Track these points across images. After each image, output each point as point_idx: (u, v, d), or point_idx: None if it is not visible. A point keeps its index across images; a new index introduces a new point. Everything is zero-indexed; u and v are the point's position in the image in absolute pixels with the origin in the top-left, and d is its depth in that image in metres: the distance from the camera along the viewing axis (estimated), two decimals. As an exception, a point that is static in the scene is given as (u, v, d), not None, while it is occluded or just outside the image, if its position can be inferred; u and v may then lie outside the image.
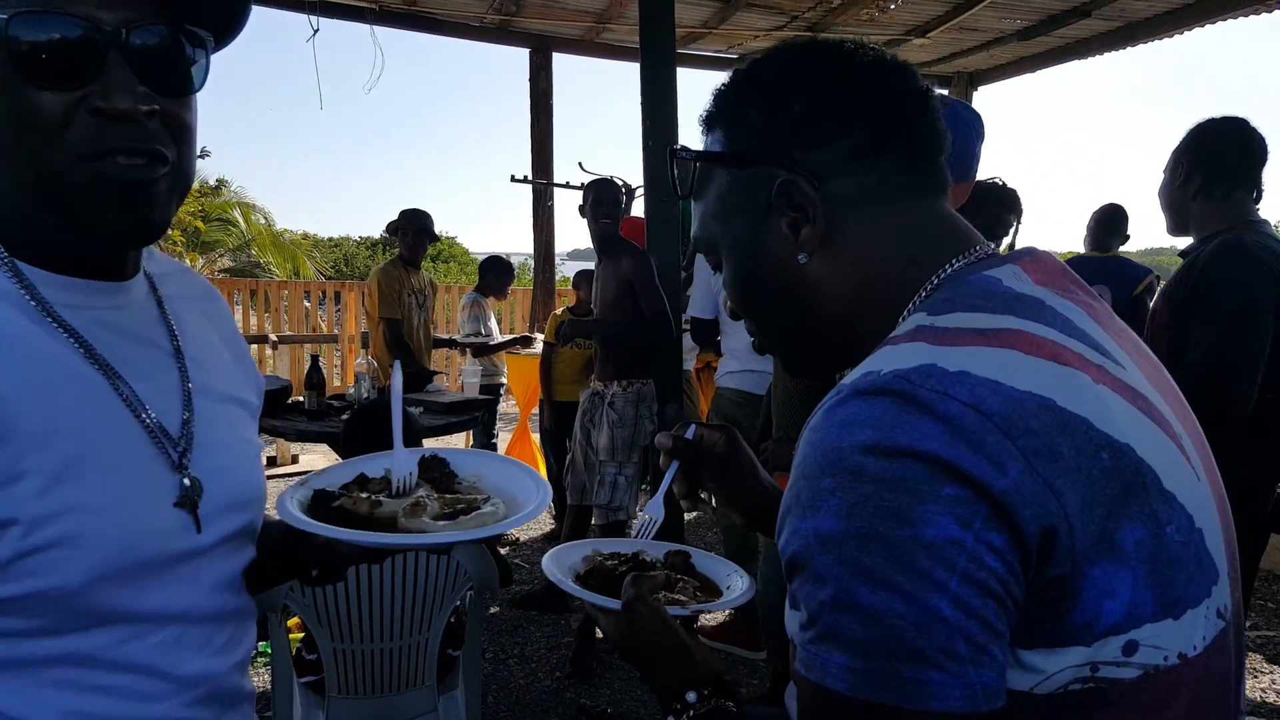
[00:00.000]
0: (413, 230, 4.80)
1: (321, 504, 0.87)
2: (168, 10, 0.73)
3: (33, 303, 0.72)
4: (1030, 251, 0.75)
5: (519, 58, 7.02)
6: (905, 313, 0.73)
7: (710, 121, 0.83)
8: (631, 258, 3.61)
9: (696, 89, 4.03)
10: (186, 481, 0.77)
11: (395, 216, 4.89)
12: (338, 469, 0.97)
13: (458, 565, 2.33)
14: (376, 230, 27.64)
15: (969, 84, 7.56)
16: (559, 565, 1.06)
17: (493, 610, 3.91)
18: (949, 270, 0.73)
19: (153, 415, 0.77)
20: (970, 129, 1.84)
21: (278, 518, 0.96)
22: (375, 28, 6.20)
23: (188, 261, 13.37)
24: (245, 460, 0.88)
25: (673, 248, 3.87)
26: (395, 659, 2.25)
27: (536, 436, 5.77)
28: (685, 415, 4.08)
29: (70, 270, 0.75)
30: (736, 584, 1.05)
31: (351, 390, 3.92)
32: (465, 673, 2.51)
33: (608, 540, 1.15)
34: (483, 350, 5.55)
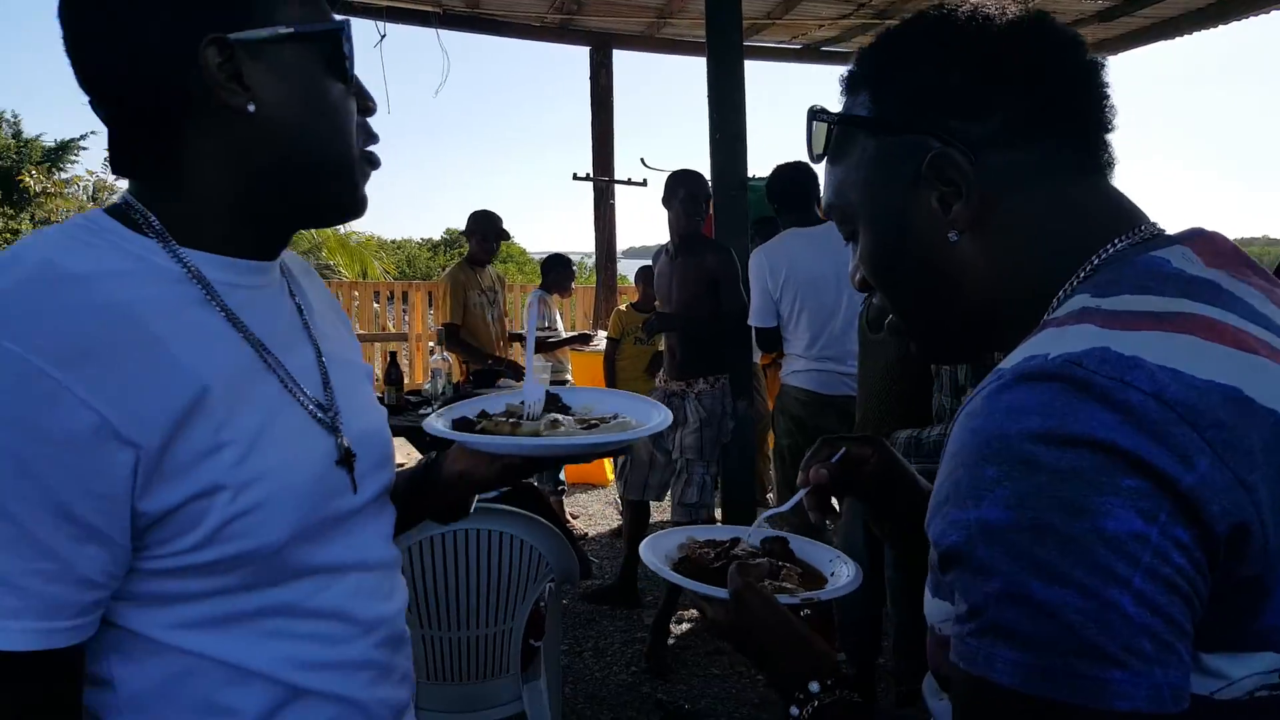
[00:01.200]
0: (483, 231, 4.92)
1: (464, 429, 0.94)
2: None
3: (198, 285, 0.77)
4: (1199, 232, 0.70)
5: (579, 56, 7.06)
6: (1060, 295, 0.69)
7: (855, 83, 0.78)
8: (717, 254, 3.56)
9: (760, 81, 4.02)
10: (346, 444, 0.83)
11: (465, 218, 4.99)
12: (460, 406, 1.03)
13: (539, 556, 2.35)
14: (437, 232, 28.12)
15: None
16: (656, 553, 1.04)
17: (563, 603, 3.94)
18: (1110, 251, 0.69)
19: (304, 388, 0.82)
20: None
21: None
22: (440, 31, 6.30)
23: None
24: (380, 422, 0.94)
25: (741, 240, 3.84)
26: (481, 647, 2.28)
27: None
28: (756, 411, 4.06)
29: (239, 252, 0.81)
30: (841, 570, 1.02)
31: (427, 385, 4.00)
32: (546, 663, 2.53)
33: (702, 527, 1.14)
34: (543, 346, 5.60)
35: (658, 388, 3.83)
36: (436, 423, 0.96)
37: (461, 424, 0.96)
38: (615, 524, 5.17)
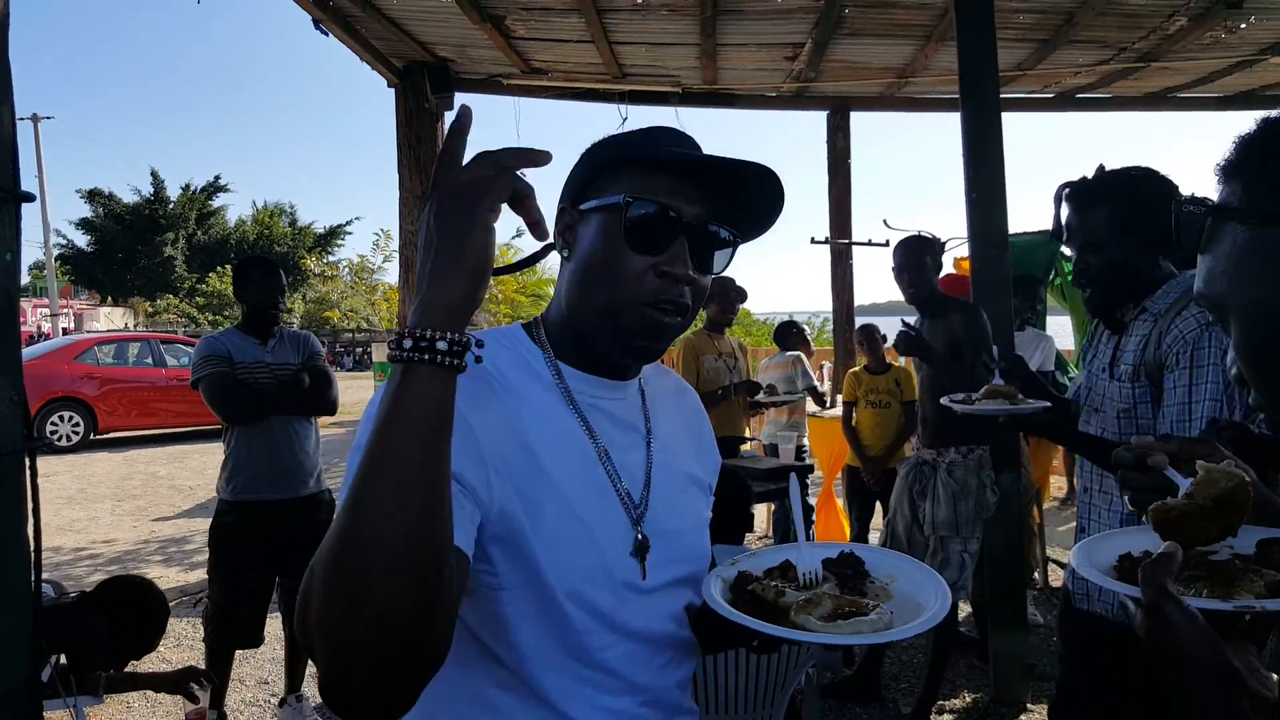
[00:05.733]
0: (717, 295, 4.90)
1: (740, 585, 0.97)
2: (721, 216, 0.98)
3: (562, 391, 0.99)
4: None
5: (814, 120, 7.05)
6: None
7: (1231, 172, 0.75)
8: (962, 313, 3.38)
9: (1008, 133, 3.76)
10: (639, 537, 0.98)
11: None
12: (770, 552, 1.06)
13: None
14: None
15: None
16: (1090, 559, 0.89)
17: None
18: None
19: (624, 485, 0.99)
20: None
21: None
22: (678, 109, 6.55)
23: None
24: (690, 525, 1.07)
25: (1004, 301, 3.60)
26: (742, 734, 2.20)
27: (841, 501, 5.58)
28: (1023, 484, 3.72)
29: (595, 370, 1.01)
30: None
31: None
32: (806, 754, 2.40)
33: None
34: (763, 404, 5.48)
35: (911, 455, 3.65)
36: (717, 576, 0.99)
37: (741, 579, 0.98)
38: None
